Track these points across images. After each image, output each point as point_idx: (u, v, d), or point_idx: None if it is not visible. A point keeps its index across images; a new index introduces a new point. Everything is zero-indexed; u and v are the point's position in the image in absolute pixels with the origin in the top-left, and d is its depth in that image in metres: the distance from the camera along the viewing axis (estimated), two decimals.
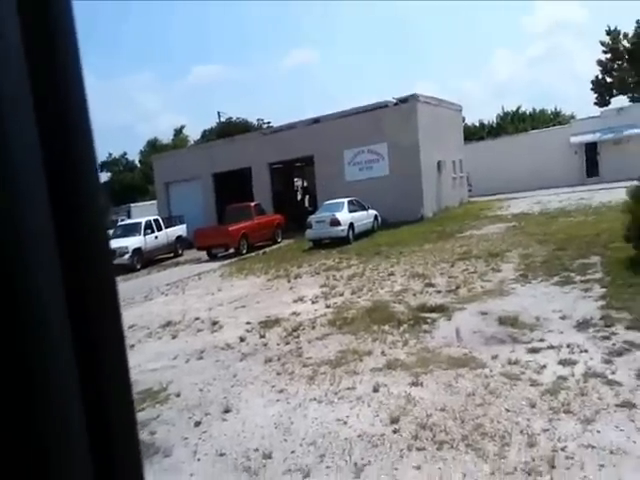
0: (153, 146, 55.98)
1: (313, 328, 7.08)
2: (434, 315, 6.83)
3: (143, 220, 19.48)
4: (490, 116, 60.27)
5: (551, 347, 5.16)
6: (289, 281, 11.01)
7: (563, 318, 6.03)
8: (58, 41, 0.56)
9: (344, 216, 16.59)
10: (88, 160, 0.59)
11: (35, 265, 0.51)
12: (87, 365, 0.55)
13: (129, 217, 30.96)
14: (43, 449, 0.50)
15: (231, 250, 17.96)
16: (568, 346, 5.11)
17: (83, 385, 0.55)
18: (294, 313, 8.03)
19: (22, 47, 0.52)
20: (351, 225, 16.64)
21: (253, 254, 17.48)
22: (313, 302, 8.65)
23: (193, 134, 61.30)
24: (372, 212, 18.54)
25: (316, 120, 23.44)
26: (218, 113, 52.02)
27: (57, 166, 0.55)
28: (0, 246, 0.49)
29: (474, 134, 40.49)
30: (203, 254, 18.53)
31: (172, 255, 20.60)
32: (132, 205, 36.46)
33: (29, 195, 0.52)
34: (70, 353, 0.54)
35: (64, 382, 0.53)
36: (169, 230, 20.64)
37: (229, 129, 44.20)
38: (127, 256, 16.99)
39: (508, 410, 3.98)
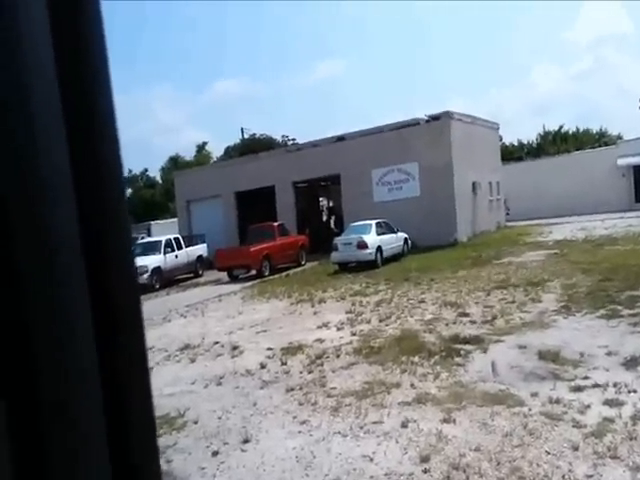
0: (175, 163, 57.45)
1: (338, 356, 7.07)
2: (468, 347, 6.75)
3: (163, 238, 19.90)
4: (530, 135, 59.94)
5: (596, 386, 5.03)
6: (313, 306, 11.03)
7: (609, 354, 5.88)
8: (88, 46, 0.58)
9: (372, 239, 16.64)
10: (115, 168, 0.61)
11: (62, 276, 0.54)
12: (110, 385, 0.58)
13: (149, 235, 31.57)
14: (68, 467, 0.53)
15: (253, 272, 18.14)
16: (615, 385, 4.97)
17: (106, 406, 0.58)
18: (318, 340, 8.04)
19: (52, 52, 0.55)
20: (379, 248, 16.68)
21: (276, 276, 17.57)
22: (338, 329, 8.64)
23: (216, 151, 62.76)
24: (402, 235, 18.56)
25: (341, 138, 23.74)
26: (242, 129, 52.98)
27: (84, 174, 0.58)
28: (28, 258, 0.52)
29: (512, 154, 40.20)
30: (224, 275, 18.73)
31: (192, 275, 20.87)
32: (152, 223, 37.24)
33: (58, 203, 0.54)
34: (95, 372, 0.57)
35: (89, 400, 0.56)
36: (189, 249, 21.00)
37: (253, 146, 45.03)
38: (146, 275, 17.32)
39: (548, 453, 3.88)
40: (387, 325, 8.46)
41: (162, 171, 59.38)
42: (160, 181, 60.06)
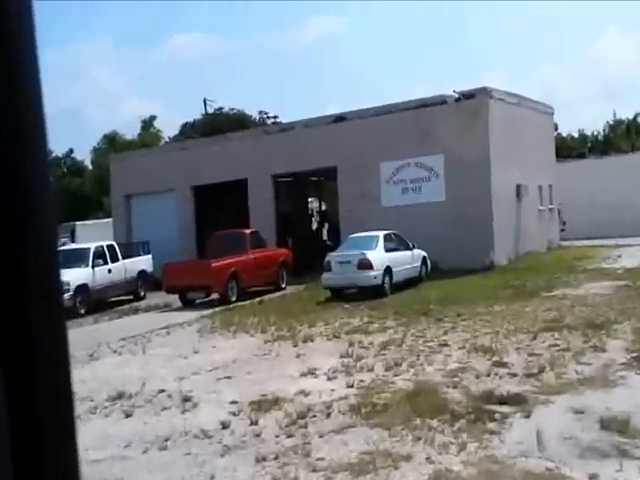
0: (111, 142, 57.59)
1: (328, 416, 7.09)
2: (505, 409, 6.80)
3: (92, 246, 19.96)
4: (595, 125, 60.33)
5: None
6: (296, 345, 11.10)
7: None
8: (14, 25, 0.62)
9: (378, 256, 16.78)
10: (37, 150, 0.61)
11: None
12: (24, 449, 0.61)
13: (73, 240, 31.49)
14: None
15: (214, 295, 18.17)
16: None
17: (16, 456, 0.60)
18: (302, 392, 8.05)
19: None
20: (388, 270, 16.82)
21: (246, 303, 17.62)
22: (329, 378, 8.67)
23: (168, 128, 63.12)
24: (419, 253, 18.75)
25: (340, 118, 24.07)
26: (204, 101, 53.43)
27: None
28: None
29: (571, 149, 40.73)
30: (175, 299, 18.76)
31: (131, 297, 20.94)
32: (78, 224, 36.73)
33: None
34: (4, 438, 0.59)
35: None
36: (128, 262, 21.09)
37: (219, 124, 45.26)
38: (67, 295, 17.26)
39: None
40: (396, 375, 8.50)
41: (94, 153, 59.47)
42: (90, 167, 60.10)
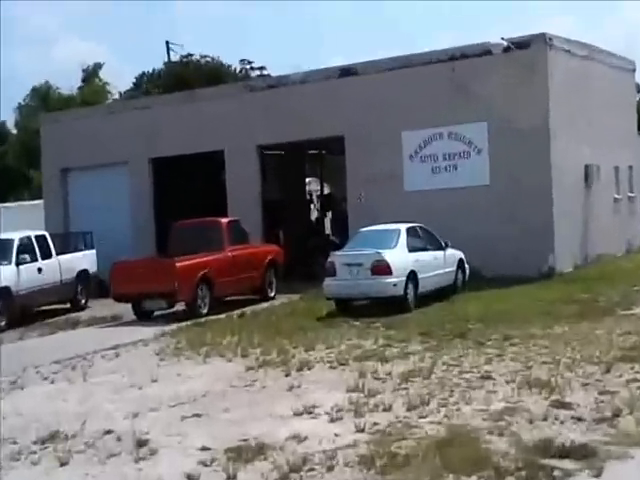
0: (43, 99, 57.51)
1: (330, 469, 7.08)
2: (568, 465, 6.79)
3: (16, 237, 20.00)
4: None
5: None
6: (288, 374, 11.12)
7: None
8: None
9: (399, 257, 16.87)
10: None
11: None
12: None
13: None
14: None
15: (179, 306, 18.28)
16: None
17: None
18: (295, 437, 8.04)
19: None
20: (412, 276, 16.89)
21: (222, 316, 17.69)
22: (333, 419, 8.65)
23: (119, 81, 63.17)
24: (454, 254, 18.84)
25: (348, 70, 24.09)
26: (167, 45, 53.29)
27: None
28: None
29: None
30: (126, 309, 18.83)
31: (68, 306, 20.96)
32: None
33: None
34: None
35: None
36: (65, 259, 21.16)
37: (187, 76, 45.21)
38: None
39: None
40: (422, 417, 8.49)
41: (18, 113, 59.39)
42: (14, 130, 60.00)
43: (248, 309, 18.57)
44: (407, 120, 22.42)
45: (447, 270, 18.44)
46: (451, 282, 18.53)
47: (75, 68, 68.42)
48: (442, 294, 17.86)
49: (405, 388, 9.77)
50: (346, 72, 24.00)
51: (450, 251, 18.67)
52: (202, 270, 18.37)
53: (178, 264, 18.06)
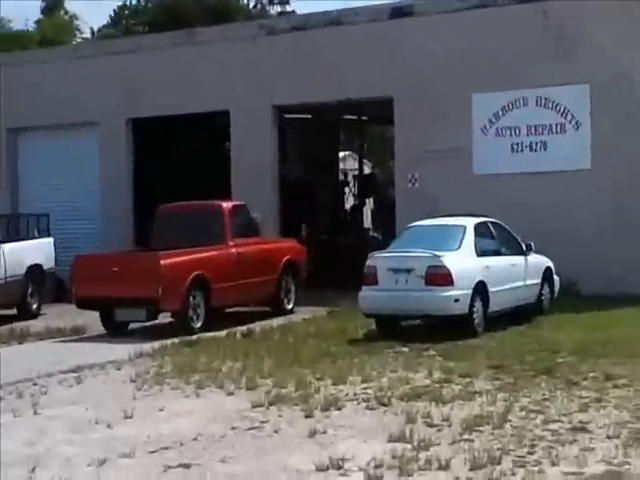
0: None
1: None
2: None
3: None
4: None
5: None
6: (309, 415, 11.07)
7: None
8: None
9: (464, 263, 16.93)
10: None
11: None
12: None
13: None
14: None
15: (164, 318, 18.42)
16: None
17: None
18: None
19: None
20: (481, 288, 16.90)
21: (221, 333, 17.81)
22: (369, 478, 8.62)
23: (89, 15, 63.10)
24: (539, 262, 18.89)
25: (403, 10, 24.04)
26: None
27: None
28: None
29: None
30: (93, 318, 18.94)
31: (15, 312, 21.27)
32: None
33: None
34: None
35: None
36: (10, 249, 21.28)
37: (183, 9, 45.13)
38: None
39: None
40: None
41: None
42: None
43: (257, 325, 18.56)
44: (480, 79, 22.44)
45: (529, 283, 18.41)
46: (534, 299, 18.51)
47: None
48: (521, 314, 17.81)
49: (468, 440, 9.66)
50: (399, 12, 24.02)
51: (534, 257, 18.64)
52: (195, 270, 18.43)
53: (163, 261, 18.11)
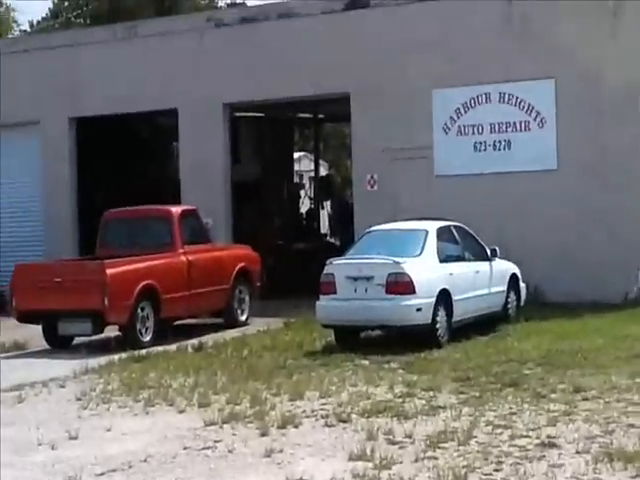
0: None
1: None
2: None
3: None
4: None
5: None
6: (265, 433, 11.06)
7: None
8: None
9: (426, 270, 16.95)
10: None
11: None
12: None
13: None
14: None
15: (111, 331, 18.29)
16: None
17: None
18: None
19: None
20: (444, 297, 16.93)
21: (171, 347, 17.77)
22: None
23: (29, 5, 62.64)
24: (505, 268, 19.02)
25: (358, 2, 23.98)
26: None
27: None
28: None
29: None
30: (34, 333, 18.82)
31: None
32: None
33: None
34: None
35: None
36: None
37: (121, 3, 44.80)
38: None
39: None
40: None
41: None
42: None
43: (209, 338, 18.56)
44: (440, 74, 22.52)
45: (494, 290, 18.49)
46: (500, 307, 18.61)
47: None
48: (487, 324, 17.90)
49: (433, 457, 9.65)
50: (354, 3, 24.03)
51: (499, 263, 18.76)
52: (143, 280, 18.40)
53: (109, 270, 18.04)
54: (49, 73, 26.98)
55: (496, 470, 9.21)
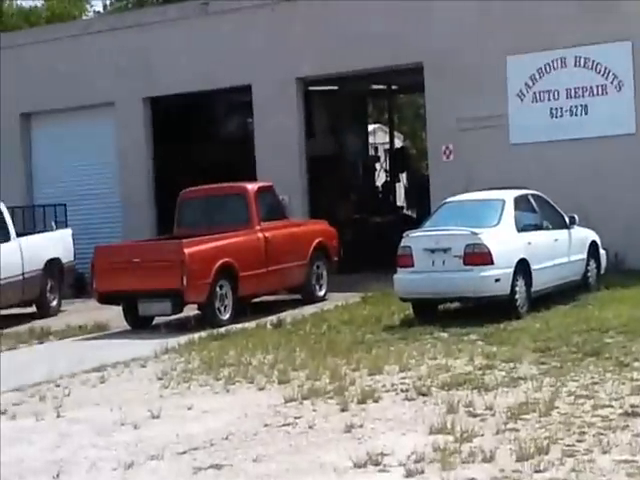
0: None
1: None
2: None
3: None
4: None
5: None
6: (345, 408, 11.09)
7: None
8: None
9: (504, 239, 16.91)
10: None
11: None
12: None
13: None
14: None
15: (190, 310, 18.50)
16: None
17: None
18: None
19: None
20: (523, 266, 16.85)
21: (251, 324, 17.90)
22: (410, 473, 8.60)
23: None
24: (584, 236, 18.88)
25: None
26: None
27: None
28: None
29: None
30: (115, 313, 19.10)
31: (34, 310, 21.34)
32: None
33: None
34: None
35: None
36: (27, 243, 21.39)
37: None
38: None
39: None
40: (538, 471, 8.37)
41: None
42: None
43: (287, 315, 18.63)
44: (514, 40, 22.30)
45: (574, 258, 18.34)
46: (579, 276, 18.45)
47: None
48: (566, 293, 17.76)
49: (514, 429, 9.64)
50: None
51: (578, 231, 18.60)
52: (221, 258, 18.48)
53: (187, 249, 18.14)
54: (122, 53, 27.13)
55: (579, 441, 9.15)
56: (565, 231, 18.30)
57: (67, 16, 50.75)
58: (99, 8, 58.31)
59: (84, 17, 52.48)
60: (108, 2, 57.72)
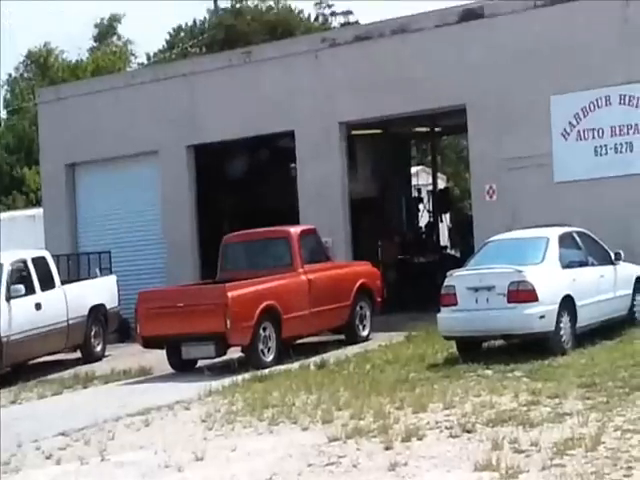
0: (40, 66, 58.41)
1: None
2: None
3: (5, 261, 20.43)
4: None
5: None
6: (389, 447, 11.05)
7: None
8: None
9: (548, 276, 16.84)
10: None
11: None
12: None
13: None
14: None
15: (234, 353, 18.47)
16: None
17: None
18: None
19: None
20: (567, 303, 16.79)
21: (294, 366, 17.88)
22: None
23: (145, 39, 63.57)
24: (629, 271, 18.77)
25: (474, 12, 23.82)
26: None
27: None
28: None
29: None
30: (159, 358, 19.16)
31: (79, 355, 21.49)
32: None
33: None
34: None
35: None
36: (72, 290, 21.54)
37: (240, 28, 45.42)
38: None
39: None
40: None
41: (9, 86, 60.61)
42: (3, 113, 61.34)
43: (331, 355, 18.61)
44: (558, 79, 22.26)
45: (619, 294, 18.26)
46: (625, 311, 18.34)
47: (85, 23, 69.40)
48: (613, 328, 17.65)
49: (560, 465, 9.54)
50: (469, 14, 23.90)
51: (624, 266, 18.49)
52: (265, 301, 18.53)
53: (230, 292, 18.20)
54: (166, 103, 27.41)
55: (626, 476, 9.08)
56: (610, 267, 18.20)
57: (112, 68, 51.38)
58: (142, 59, 59.00)
59: (128, 69, 53.05)
60: (152, 54, 58.42)
